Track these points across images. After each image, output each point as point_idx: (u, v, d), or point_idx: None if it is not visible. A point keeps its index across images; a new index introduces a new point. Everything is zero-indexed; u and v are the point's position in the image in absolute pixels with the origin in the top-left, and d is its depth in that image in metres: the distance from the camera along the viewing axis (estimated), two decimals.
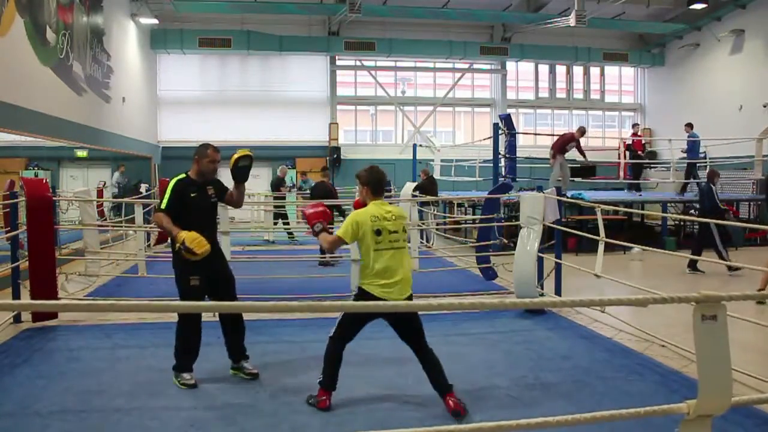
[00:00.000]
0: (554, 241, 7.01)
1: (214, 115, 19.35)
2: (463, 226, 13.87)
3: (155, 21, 16.60)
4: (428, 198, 11.29)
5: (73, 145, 11.93)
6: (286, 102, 19.81)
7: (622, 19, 19.01)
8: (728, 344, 2.25)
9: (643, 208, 14.59)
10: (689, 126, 13.74)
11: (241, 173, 4.51)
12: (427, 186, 12.90)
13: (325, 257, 8.71)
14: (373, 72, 20.70)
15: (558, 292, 6.92)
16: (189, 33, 18.31)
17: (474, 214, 13.81)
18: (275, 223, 13.45)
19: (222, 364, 4.87)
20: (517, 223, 7.48)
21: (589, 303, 2.30)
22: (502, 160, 12.12)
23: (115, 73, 14.12)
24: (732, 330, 2.31)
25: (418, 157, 17.28)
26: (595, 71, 21.91)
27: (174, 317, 6.30)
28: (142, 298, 6.80)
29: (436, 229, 12.34)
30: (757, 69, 16.45)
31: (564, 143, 11.76)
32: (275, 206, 12.96)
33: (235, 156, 4.42)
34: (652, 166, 19.63)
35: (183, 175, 4.52)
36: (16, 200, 6.18)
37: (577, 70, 21.77)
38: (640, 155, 14.57)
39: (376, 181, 3.99)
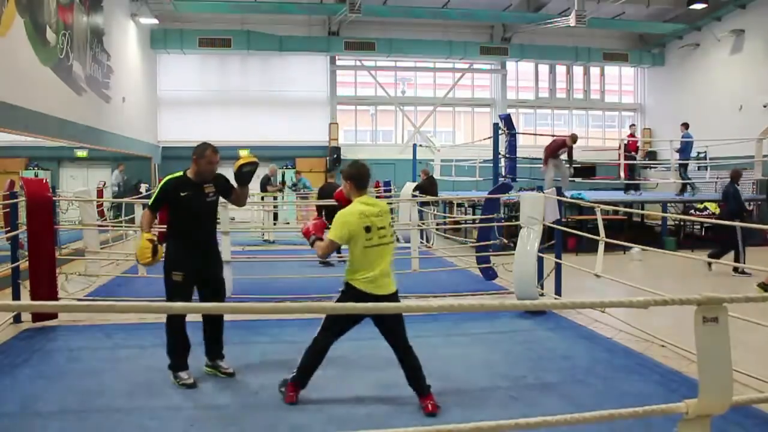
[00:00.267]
0: (554, 241, 7.01)
1: (214, 115, 19.34)
2: (463, 226, 13.87)
3: (155, 21, 16.60)
4: (428, 198, 11.30)
5: (73, 145, 11.94)
6: (286, 102, 19.80)
7: (622, 19, 19.00)
8: (729, 346, 2.24)
9: (643, 208, 14.63)
10: (685, 126, 13.73)
11: (243, 178, 4.55)
12: (427, 186, 12.90)
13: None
14: (373, 72, 20.70)
15: (558, 292, 6.91)
16: (189, 33, 18.30)
17: (474, 214, 13.82)
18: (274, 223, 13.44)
19: None
20: (517, 223, 7.48)
21: (591, 305, 2.30)
22: (502, 160, 12.12)
23: (115, 73, 14.12)
24: (734, 330, 2.31)
25: (418, 157, 17.28)
26: (595, 71, 21.90)
27: None
28: (142, 298, 6.79)
29: (436, 229, 12.34)
30: (757, 69, 16.45)
31: (555, 149, 11.72)
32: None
33: (239, 162, 4.45)
34: (651, 166, 19.66)
35: (179, 174, 4.54)
36: (16, 200, 6.18)
37: (577, 70, 21.77)
38: (633, 156, 14.54)
39: (359, 175, 3.97)
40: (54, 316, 6.03)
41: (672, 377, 4.46)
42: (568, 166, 11.87)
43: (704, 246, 12.09)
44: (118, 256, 9.92)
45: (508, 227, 10.00)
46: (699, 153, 17.06)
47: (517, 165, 12.56)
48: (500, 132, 11.70)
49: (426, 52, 19.92)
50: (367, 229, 3.80)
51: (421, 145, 18.12)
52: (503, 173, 12.15)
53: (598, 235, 6.28)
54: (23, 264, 6.00)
